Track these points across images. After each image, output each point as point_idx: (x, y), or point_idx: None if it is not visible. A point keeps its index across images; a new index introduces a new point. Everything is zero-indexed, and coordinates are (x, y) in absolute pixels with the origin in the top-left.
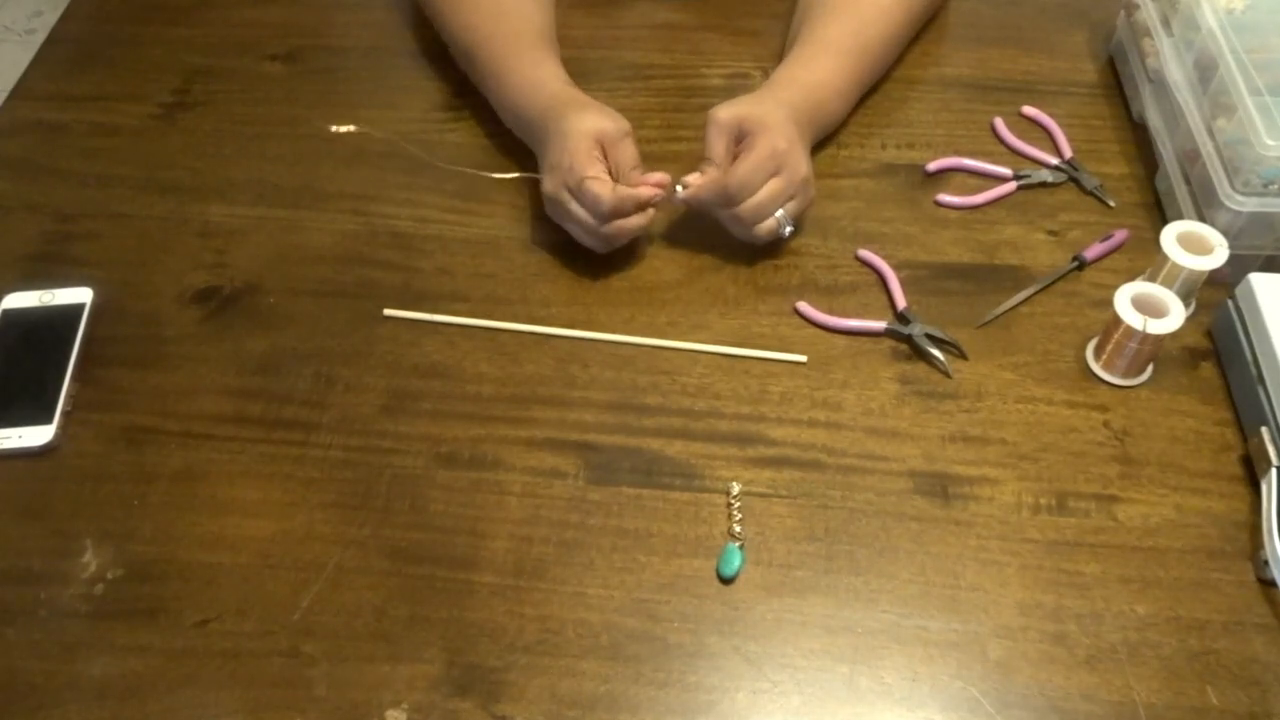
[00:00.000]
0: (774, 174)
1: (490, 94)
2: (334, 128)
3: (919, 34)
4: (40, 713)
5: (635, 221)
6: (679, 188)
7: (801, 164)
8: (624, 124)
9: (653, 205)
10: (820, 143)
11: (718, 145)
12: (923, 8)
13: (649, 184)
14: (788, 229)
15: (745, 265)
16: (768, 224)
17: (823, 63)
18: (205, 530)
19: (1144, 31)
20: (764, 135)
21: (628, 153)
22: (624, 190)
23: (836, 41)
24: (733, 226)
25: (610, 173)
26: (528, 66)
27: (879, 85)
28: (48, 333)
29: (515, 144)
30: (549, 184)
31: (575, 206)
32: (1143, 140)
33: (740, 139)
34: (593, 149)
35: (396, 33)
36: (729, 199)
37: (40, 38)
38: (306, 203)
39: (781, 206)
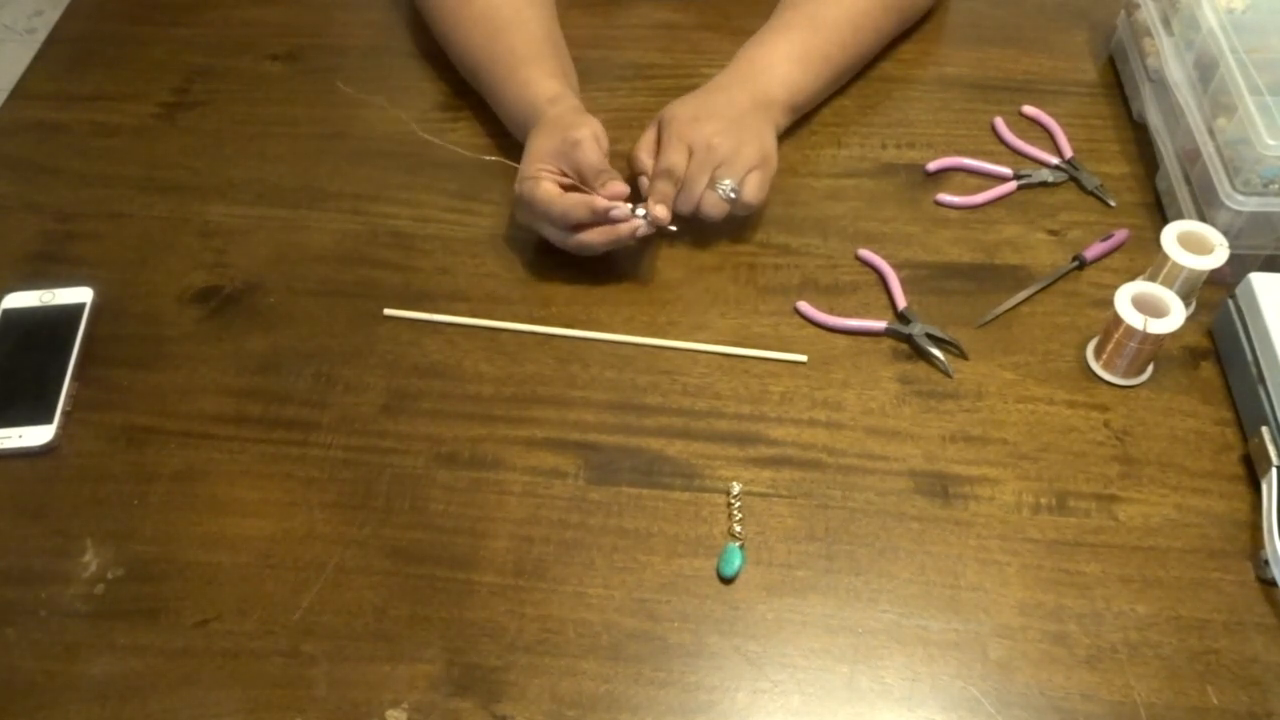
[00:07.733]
0: (689, 155)
1: (497, 112)
2: None
3: (918, 33)
4: (40, 713)
5: (597, 236)
6: (643, 213)
7: (707, 132)
8: (574, 134)
9: (621, 226)
10: (822, 143)
11: (643, 153)
12: None
13: (604, 195)
14: (730, 193)
15: (745, 265)
16: (709, 199)
17: (768, 40)
18: (205, 530)
19: (1144, 31)
20: (665, 129)
21: (584, 160)
22: (571, 197)
23: (785, 20)
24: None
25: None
26: (520, 88)
27: (878, 85)
28: (48, 333)
29: (515, 144)
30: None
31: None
32: (1143, 140)
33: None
34: (543, 169)
35: (396, 33)
36: (683, 199)
37: (40, 37)
38: (306, 202)
39: (706, 181)
